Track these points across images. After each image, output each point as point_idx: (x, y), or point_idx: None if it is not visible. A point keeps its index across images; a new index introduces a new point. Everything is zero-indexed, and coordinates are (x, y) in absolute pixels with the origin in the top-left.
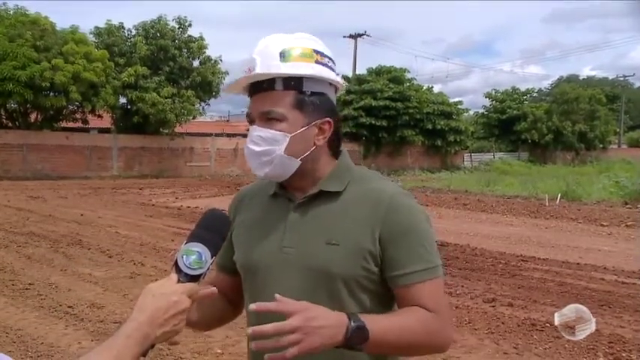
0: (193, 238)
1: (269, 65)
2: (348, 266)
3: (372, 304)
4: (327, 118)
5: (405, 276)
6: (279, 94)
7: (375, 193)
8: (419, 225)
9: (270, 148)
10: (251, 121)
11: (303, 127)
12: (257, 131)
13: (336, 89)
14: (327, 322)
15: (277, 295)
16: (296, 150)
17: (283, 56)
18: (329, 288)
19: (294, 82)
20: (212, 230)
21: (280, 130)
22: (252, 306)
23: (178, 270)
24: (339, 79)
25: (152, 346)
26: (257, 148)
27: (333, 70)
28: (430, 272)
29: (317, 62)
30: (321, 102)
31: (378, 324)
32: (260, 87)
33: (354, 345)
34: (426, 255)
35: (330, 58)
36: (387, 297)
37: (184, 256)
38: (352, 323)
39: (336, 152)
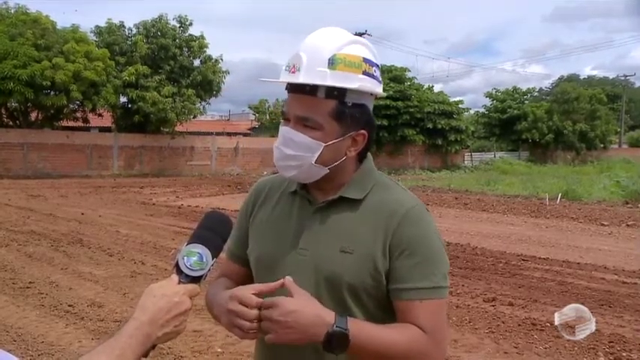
0: (194, 239)
1: (315, 71)
2: (358, 275)
3: (378, 312)
4: (363, 131)
5: (406, 291)
6: (319, 101)
7: (392, 204)
8: (429, 242)
9: (301, 154)
10: (285, 119)
11: (337, 138)
12: (291, 134)
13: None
14: (308, 319)
15: (288, 278)
16: (326, 159)
17: (332, 63)
18: (337, 293)
19: (337, 92)
20: (213, 231)
21: (315, 139)
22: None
23: (179, 271)
24: (381, 89)
25: (153, 347)
26: (288, 151)
27: (377, 79)
28: (432, 292)
29: (364, 73)
30: (360, 114)
31: (364, 333)
32: (302, 88)
33: (332, 349)
34: (430, 274)
35: (377, 66)
36: (392, 307)
37: (185, 257)
38: (334, 328)
39: (362, 157)
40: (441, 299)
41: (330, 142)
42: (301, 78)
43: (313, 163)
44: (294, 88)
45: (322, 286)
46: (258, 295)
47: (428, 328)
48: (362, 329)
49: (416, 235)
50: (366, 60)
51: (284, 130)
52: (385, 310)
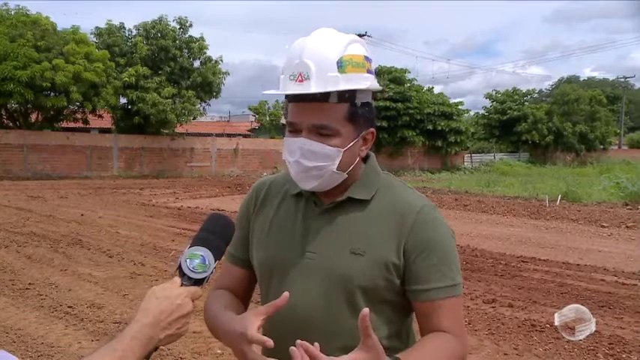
0: (197, 241)
1: (326, 77)
2: (370, 276)
3: (391, 313)
4: (372, 129)
5: (426, 292)
6: (332, 106)
7: (402, 205)
8: (444, 241)
9: (322, 164)
10: (295, 131)
11: (353, 141)
12: (309, 145)
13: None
14: None
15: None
16: (345, 164)
17: (341, 66)
18: (348, 296)
19: (348, 95)
20: (216, 234)
21: (334, 146)
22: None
23: (182, 273)
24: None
25: (155, 349)
26: (308, 163)
27: (375, 74)
28: (451, 290)
29: (368, 71)
30: (369, 112)
31: None
32: (312, 96)
33: None
34: (448, 272)
35: (372, 61)
36: (406, 307)
37: (188, 260)
38: None
39: (365, 157)
40: (459, 296)
41: (348, 146)
42: (313, 87)
43: (335, 170)
44: (303, 97)
45: (333, 290)
46: (267, 317)
47: (452, 328)
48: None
49: (431, 235)
50: (366, 58)
51: (300, 142)
52: (399, 313)
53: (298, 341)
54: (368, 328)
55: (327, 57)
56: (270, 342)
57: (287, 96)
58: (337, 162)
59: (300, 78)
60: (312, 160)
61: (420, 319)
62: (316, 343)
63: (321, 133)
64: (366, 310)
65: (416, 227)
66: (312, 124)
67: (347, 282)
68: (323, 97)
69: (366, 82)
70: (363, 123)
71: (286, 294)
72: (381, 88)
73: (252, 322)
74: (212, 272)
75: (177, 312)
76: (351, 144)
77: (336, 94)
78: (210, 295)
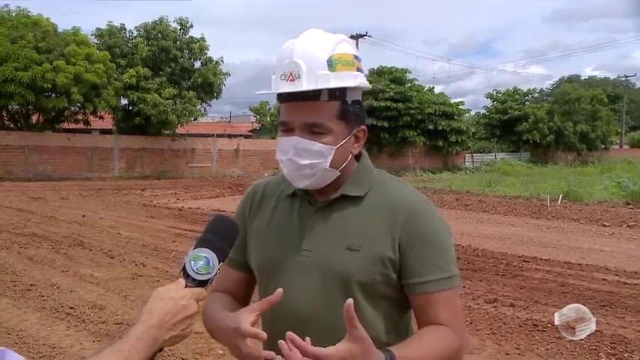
0: (201, 243)
1: (317, 75)
2: (367, 272)
3: (390, 308)
4: (363, 126)
5: (422, 284)
6: (323, 104)
7: (396, 200)
8: (438, 234)
9: (315, 161)
10: (288, 130)
11: (345, 138)
12: (302, 144)
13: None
14: None
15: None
16: (337, 161)
17: (331, 65)
18: (346, 291)
19: (339, 93)
20: (220, 236)
21: (326, 143)
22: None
23: (186, 275)
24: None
25: (160, 350)
26: (302, 161)
27: (365, 73)
28: (447, 282)
29: (357, 69)
30: (360, 110)
31: (409, 356)
32: (303, 95)
33: None
34: (443, 264)
35: (361, 60)
36: (404, 302)
37: (192, 261)
38: None
39: (358, 154)
40: (455, 288)
41: (340, 144)
42: (304, 85)
43: (327, 168)
44: (294, 96)
45: (331, 286)
46: (260, 313)
47: (450, 320)
48: (406, 352)
49: (426, 229)
50: (355, 57)
51: (294, 140)
52: (398, 307)
53: (288, 334)
54: (353, 319)
55: (316, 56)
56: (263, 335)
57: (279, 96)
58: (329, 159)
59: (291, 77)
60: (305, 158)
61: (417, 314)
62: (307, 338)
63: (314, 131)
64: (350, 301)
65: (410, 221)
66: (305, 123)
67: (344, 278)
68: (314, 95)
69: (356, 80)
70: (355, 121)
71: (280, 290)
72: (370, 86)
73: (246, 318)
74: (216, 274)
75: (182, 313)
76: (343, 141)
77: (327, 92)
78: (208, 298)
